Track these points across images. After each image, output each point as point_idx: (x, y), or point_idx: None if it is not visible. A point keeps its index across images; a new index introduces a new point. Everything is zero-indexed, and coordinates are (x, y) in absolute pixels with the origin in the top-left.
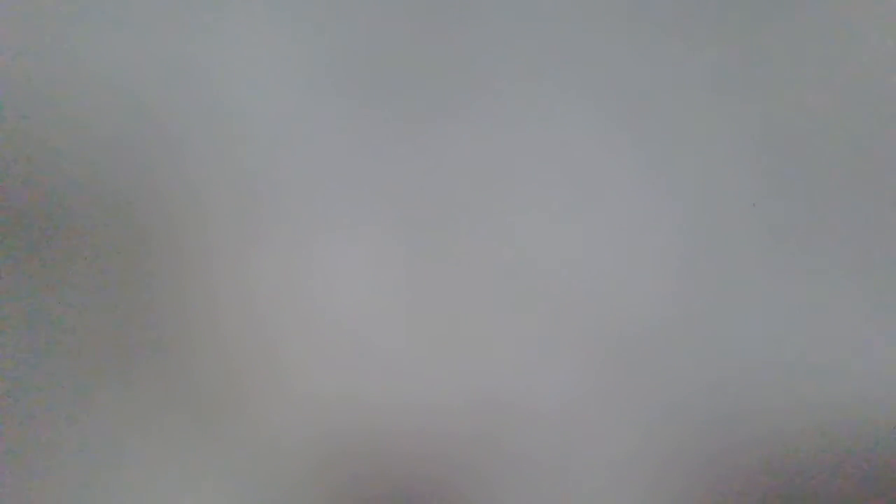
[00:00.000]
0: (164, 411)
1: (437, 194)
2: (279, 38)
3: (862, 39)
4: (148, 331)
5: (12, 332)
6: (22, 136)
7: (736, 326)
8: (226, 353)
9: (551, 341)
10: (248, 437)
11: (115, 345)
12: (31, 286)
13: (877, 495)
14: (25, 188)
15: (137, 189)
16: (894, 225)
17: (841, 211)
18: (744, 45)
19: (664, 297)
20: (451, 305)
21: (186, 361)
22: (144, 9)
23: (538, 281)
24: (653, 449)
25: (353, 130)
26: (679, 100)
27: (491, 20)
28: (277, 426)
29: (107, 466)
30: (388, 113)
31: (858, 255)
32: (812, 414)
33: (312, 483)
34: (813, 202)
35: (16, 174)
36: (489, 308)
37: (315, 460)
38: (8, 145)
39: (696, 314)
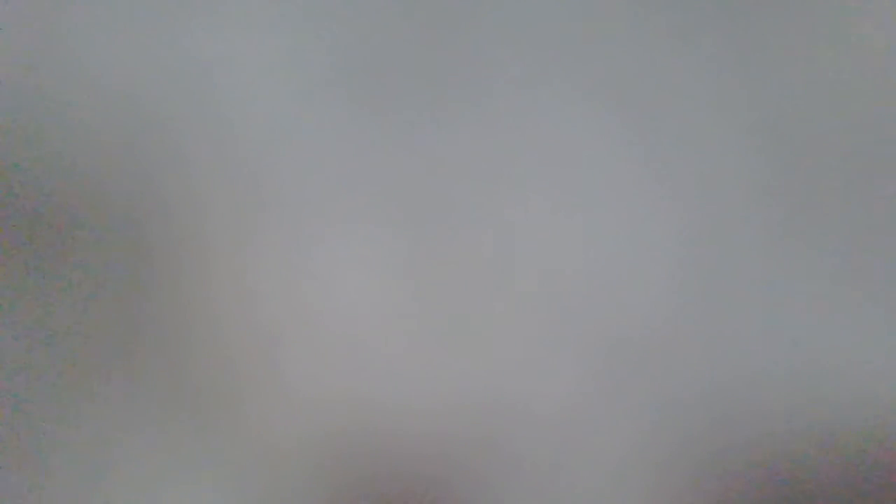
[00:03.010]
0: (163, 411)
1: (437, 195)
2: (279, 37)
3: (863, 36)
4: (147, 330)
5: (12, 331)
6: (20, 137)
7: (736, 327)
8: (225, 353)
9: (552, 342)
10: (248, 437)
11: (114, 345)
12: (31, 286)
13: (877, 495)
14: (24, 188)
15: (137, 189)
16: (894, 225)
17: (841, 210)
18: (745, 45)
19: (664, 298)
20: (452, 306)
21: (186, 361)
22: (144, 9)
23: (539, 281)
24: (653, 450)
25: (354, 130)
26: (679, 99)
27: (491, 19)
28: (277, 426)
29: (105, 466)
30: (389, 113)
31: (858, 255)
32: (812, 414)
33: (312, 483)
34: (813, 201)
35: (14, 174)
36: (490, 308)
37: (315, 460)
38: (6, 145)
39: (696, 315)
